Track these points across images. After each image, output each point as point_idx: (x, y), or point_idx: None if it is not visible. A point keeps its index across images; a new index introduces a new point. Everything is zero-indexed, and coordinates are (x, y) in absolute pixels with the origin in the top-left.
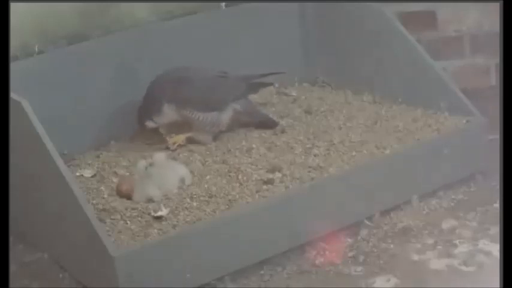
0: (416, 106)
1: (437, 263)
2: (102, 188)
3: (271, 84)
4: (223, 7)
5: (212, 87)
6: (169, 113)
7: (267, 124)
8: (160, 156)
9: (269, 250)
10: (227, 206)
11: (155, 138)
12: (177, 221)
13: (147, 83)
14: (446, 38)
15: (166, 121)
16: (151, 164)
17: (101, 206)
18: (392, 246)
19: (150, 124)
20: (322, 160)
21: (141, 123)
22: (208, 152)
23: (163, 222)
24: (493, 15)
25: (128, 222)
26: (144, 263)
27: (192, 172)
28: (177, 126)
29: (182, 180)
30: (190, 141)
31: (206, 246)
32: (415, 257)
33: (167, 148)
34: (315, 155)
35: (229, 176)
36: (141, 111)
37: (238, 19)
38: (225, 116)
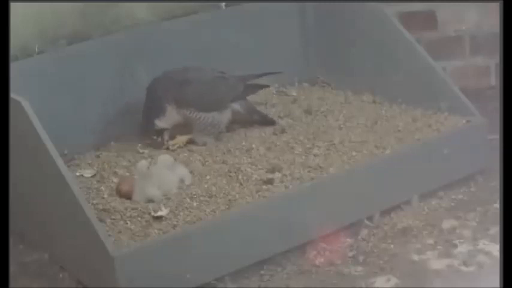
0: (416, 106)
1: (437, 263)
2: (102, 188)
3: (268, 86)
4: (224, 7)
5: (212, 88)
6: (172, 115)
7: (265, 122)
8: (165, 157)
9: (269, 250)
10: (227, 206)
11: (155, 138)
12: (177, 221)
13: (147, 83)
14: (446, 38)
15: (171, 123)
16: (153, 164)
17: (101, 206)
18: (392, 246)
19: (158, 123)
20: (322, 160)
21: (148, 124)
22: (208, 152)
23: (163, 222)
24: (493, 15)
25: (128, 222)
26: (144, 263)
27: (192, 172)
28: (179, 128)
29: (182, 180)
30: (191, 142)
31: (206, 246)
32: (415, 257)
33: (167, 149)
34: (315, 155)
35: (229, 176)
36: (146, 113)
37: (238, 19)
38: (225, 116)
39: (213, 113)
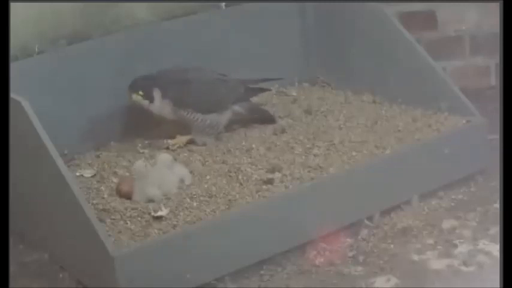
0: (416, 106)
1: (437, 263)
2: (102, 188)
3: (269, 90)
4: (223, 7)
5: (211, 90)
6: (163, 107)
7: (265, 119)
8: (165, 157)
9: (269, 250)
10: (227, 206)
11: (154, 138)
12: (177, 221)
13: None
14: (446, 38)
15: (157, 112)
16: (151, 164)
17: (101, 206)
18: (392, 246)
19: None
20: (322, 160)
21: (134, 90)
22: (208, 152)
23: (163, 222)
24: (493, 15)
25: (128, 222)
26: (144, 263)
27: (192, 172)
28: (180, 128)
29: (182, 180)
30: (191, 142)
31: (206, 246)
32: (415, 257)
33: (167, 148)
34: (315, 155)
35: (229, 176)
36: (138, 82)
37: (238, 19)
38: (224, 118)
39: (212, 115)
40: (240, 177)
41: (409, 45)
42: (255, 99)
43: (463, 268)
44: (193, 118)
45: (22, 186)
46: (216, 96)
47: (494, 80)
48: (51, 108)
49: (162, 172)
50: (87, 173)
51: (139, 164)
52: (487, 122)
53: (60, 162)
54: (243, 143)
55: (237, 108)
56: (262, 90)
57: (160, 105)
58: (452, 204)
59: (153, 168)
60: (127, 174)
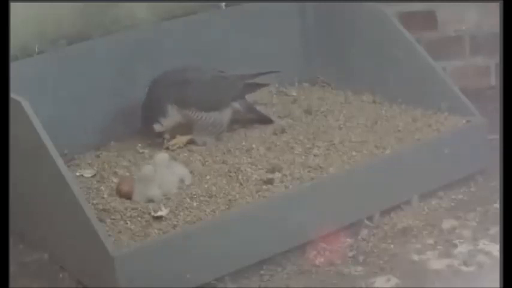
0: (416, 106)
1: (437, 263)
2: (102, 188)
3: (267, 84)
4: (223, 7)
5: (213, 87)
6: (174, 115)
7: (263, 121)
8: (163, 156)
9: (269, 250)
10: (227, 206)
11: (155, 138)
12: (177, 221)
13: (146, 83)
14: (446, 38)
15: (173, 123)
16: (153, 165)
17: (101, 206)
18: (392, 246)
19: (157, 127)
20: (322, 160)
21: (148, 125)
22: (208, 152)
23: (163, 222)
24: (493, 15)
25: (128, 222)
26: (144, 263)
27: (192, 172)
28: (179, 127)
29: (182, 180)
30: (191, 142)
31: (206, 246)
32: (415, 257)
33: (167, 148)
34: (315, 155)
35: (229, 176)
36: (146, 113)
37: (238, 19)
38: (226, 116)
39: (214, 113)
40: (240, 177)
41: (409, 45)
42: (255, 99)
43: (463, 268)
44: (197, 117)
45: (22, 186)
46: (217, 93)
47: (494, 80)
48: (51, 108)
49: (161, 172)
50: (87, 173)
51: (149, 168)
52: (487, 122)
53: (60, 162)
54: (243, 143)
55: (236, 105)
56: (261, 85)
57: (172, 116)
58: (452, 204)
59: (154, 168)
60: (127, 174)
